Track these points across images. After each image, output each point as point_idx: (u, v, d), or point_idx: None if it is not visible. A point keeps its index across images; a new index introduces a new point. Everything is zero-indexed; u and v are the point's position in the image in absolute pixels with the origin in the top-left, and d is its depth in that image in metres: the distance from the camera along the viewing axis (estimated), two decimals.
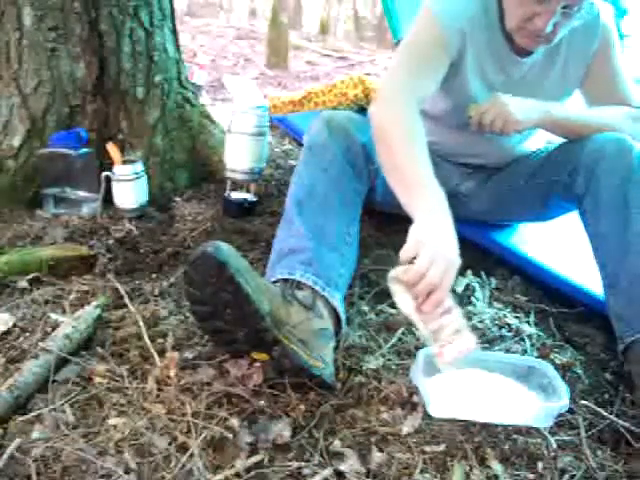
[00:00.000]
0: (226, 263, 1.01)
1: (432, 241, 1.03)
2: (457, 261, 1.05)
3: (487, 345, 1.30)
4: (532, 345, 1.31)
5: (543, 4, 1.24)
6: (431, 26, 1.35)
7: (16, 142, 1.74)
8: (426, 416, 1.07)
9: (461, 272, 1.55)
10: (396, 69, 1.36)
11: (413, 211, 1.12)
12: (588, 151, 1.35)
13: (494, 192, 1.59)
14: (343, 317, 1.20)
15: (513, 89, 1.40)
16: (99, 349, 1.20)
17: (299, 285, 1.16)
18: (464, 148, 1.59)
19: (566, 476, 0.99)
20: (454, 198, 1.63)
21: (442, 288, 1.02)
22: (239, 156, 1.75)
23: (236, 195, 1.80)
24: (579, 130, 1.40)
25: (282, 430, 1.01)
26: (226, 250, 1.03)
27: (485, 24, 1.38)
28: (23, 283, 1.39)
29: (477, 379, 1.14)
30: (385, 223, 1.68)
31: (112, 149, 1.73)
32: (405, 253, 1.04)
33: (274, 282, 1.18)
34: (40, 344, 1.14)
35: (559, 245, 1.60)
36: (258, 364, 1.13)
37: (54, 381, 1.09)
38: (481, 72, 1.43)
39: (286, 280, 1.17)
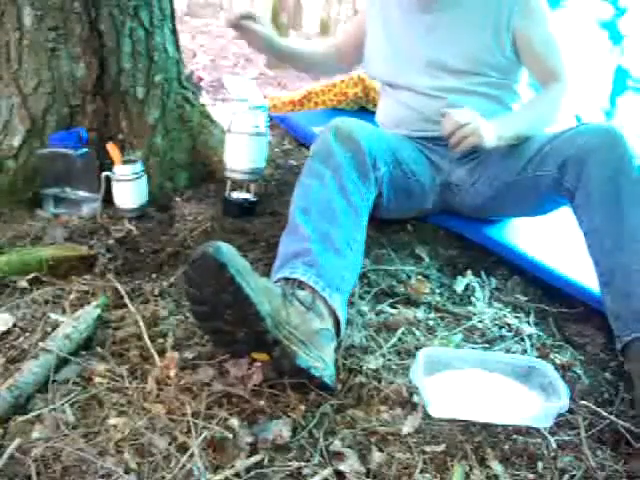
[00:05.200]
0: (226, 264, 1.00)
1: None
2: None
3: (487, 345, 1.30)
4: (532, 345, 1.31)
5: None
6: None
7: (16, 142, 1.74)
8: (426, 416, 1.07)
9: (461, 272, 1.56)
10: None
11: None
12: (577, 144, 1.34)
13: (487, 186, 1.59)
14: (342, 320, 1.19)
15: (438, 30, 1.58)
16: (99, 349, 1.20)
17: (300, 285, 1.16)
18: (424, 115, 1.64)
19: (566, 476, 0.99)
20: (447, 190, 1.67)
21: None
22: (239, 156, 1.75)
23: (236, 195, 1.80)
24: (525, 136, 1.52)
25: (282, 430, 1.01)
26: (226, 251, 1.02)
27: None
28: (23, 283, 1.39)
29: (477, 379, 1.14)
30: (385, 223, 1.68)
31: (112, 149, 1.73)
32: None
33: (276, 281, 1.18)
34: (40, 344, 1.14)
35: (559, 244, 1.60)
36: (258, 364, 1.13)
37: (54, 381, 1.09)
38: (403, 14, 1.64)
39: (287, 279, 1.17)
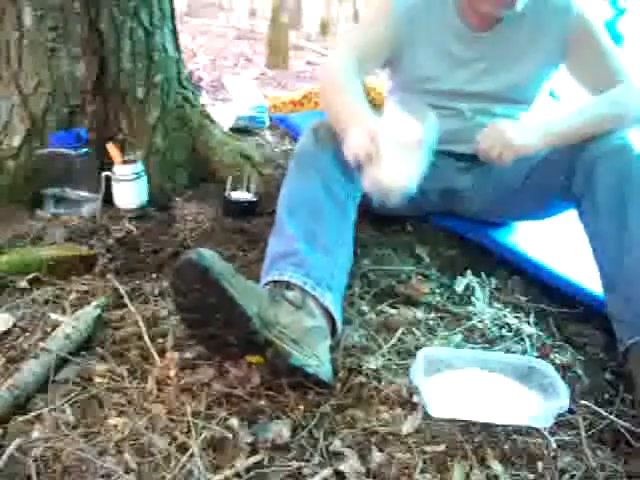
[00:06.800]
0: (209, 268, 1.01)
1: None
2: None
3: (487, 345, 1.30)
4: (532, 345, 1.31)
5: None
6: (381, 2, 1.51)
7: (16, 142, 1.74)
8: (426, 416, 1.07)
9: (461, 272, 1.56)
10: (344, 38, 1.60)
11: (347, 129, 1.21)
12: (586, 151, 1.34)
13: (492, 193, 1.59)
14: (337, 317, 1.19)
15: (483, 62, 1.51)
16: (99, 349, 1.20)
17: (289, 286, 1.16)
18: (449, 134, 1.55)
19: (566, 476, 0.99)
20: (451, 195, 1.66)
21: None
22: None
23: (236, 195, 1.80)
24: (582, 133, 1.38)
25: (282, 430, 1.01)
26: (209, 256, 1.03)
27: (438, 7, 1.49)
28: (23, 283, 1.39)
29: (477, 379, 1.14)
30: (385, 223, 1.69)
31: (112, 149, 1.73)
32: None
33: (265, 285, 1.18)
34: (40, 344, 1.14)
35: (560, 244, 1.60)
36: None
37: (54, 381, 1.09)
38: (441, 52, 1.51)
39: (276, 282, 1.17)
